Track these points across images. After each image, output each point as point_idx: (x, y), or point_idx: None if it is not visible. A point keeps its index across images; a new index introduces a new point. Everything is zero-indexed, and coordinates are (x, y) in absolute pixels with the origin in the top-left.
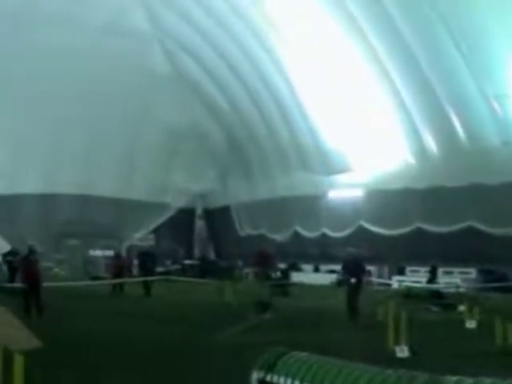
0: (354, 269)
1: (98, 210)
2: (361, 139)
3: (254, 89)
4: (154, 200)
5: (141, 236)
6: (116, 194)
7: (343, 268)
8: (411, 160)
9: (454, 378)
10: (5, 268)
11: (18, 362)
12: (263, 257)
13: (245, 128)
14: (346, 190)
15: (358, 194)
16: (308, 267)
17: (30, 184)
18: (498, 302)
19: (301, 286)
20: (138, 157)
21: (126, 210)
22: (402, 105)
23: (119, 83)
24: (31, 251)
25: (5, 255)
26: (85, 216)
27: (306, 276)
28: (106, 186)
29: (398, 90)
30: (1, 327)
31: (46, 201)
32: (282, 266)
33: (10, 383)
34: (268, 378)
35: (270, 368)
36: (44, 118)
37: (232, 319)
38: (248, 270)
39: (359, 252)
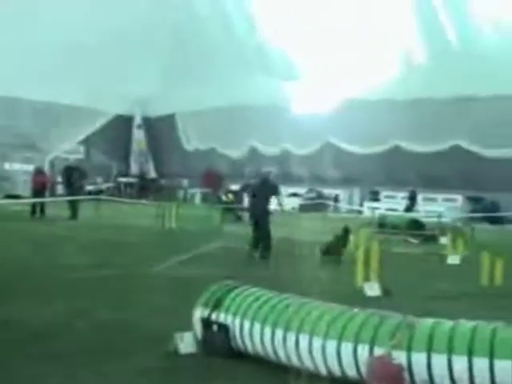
0: (262, 192)
1: (15, 114)
2: (335, 42)
3: None
4: (82, 104)
5: (68, 148)
6: (37, 97)
7: (250, 192)
8: (394, 68)
9: (431, 321)
10: None
11: None
12: (213, 176)
13: (195, 23)
14: (313, 100)
15: (327, 105)
16: None
17: None
18: (487, 235)
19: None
20: (66, 54)
21: (49, 115)
22: (386, 5)
23: None
24: None
25: None
26: (1, 122)
27: None
28: (23, 86)
29: None
30: None
31: None
32: (236, 187)
33: None
34: (213, 316)
35: (216, 305)
36: None
37: (173, 248)
38: (194, 191)
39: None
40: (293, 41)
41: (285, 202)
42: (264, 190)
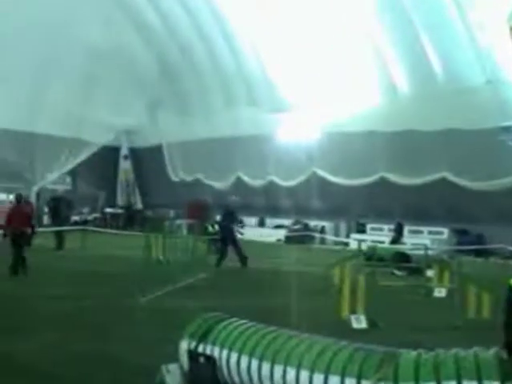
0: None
1: (5, 145)
2: (318, 73)
3: (194, 5)
4: (70, 135)
5: (54, 178)
6: (24, 127)
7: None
8: (378, 99)
9: (414, 353)
10: None
11: None
12: (198, 207)
13: (181, 51)
14: (298, 131)
15: (312, 136)
16: (252, 220)
17: None
18: (473, 268)
19: (242, 242)
20: (52, 83)
21: (36, 146)
22: (369, 34)
23: None
24: None
25: None
26: None
27: (250, 231)
28: (12, 116)
29: (366, 16)
30: None
31: None
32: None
33: None
34: (200, 348)
35: (203, 337)
36: None
37: (159, 279)
38: (181, 222)
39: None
40: (278, 72)
41: (241, 228)
42: (228, 215)
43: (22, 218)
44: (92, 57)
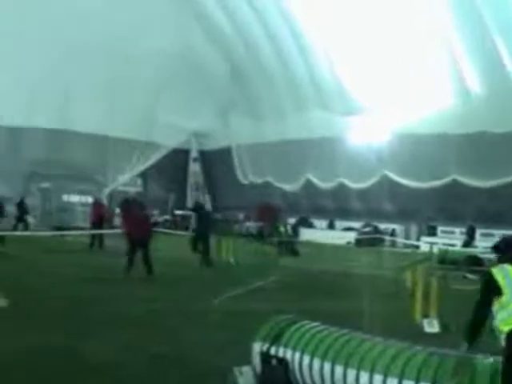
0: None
1: (75, 148)
2: (389, 75)
3: (265, 11)
4: (141, 138)
5: (126, 180)
6: (97, 130)
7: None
8: (450, 100)
9: (490, 359)
10: None
11: None
12: (268, 209)
13: (252, 56)
14: (369, 133)
15: (383, 138)
16: (321, 223)
17: None
18: None
19: (312, 244)
20: (124, 87)
21: (108, 149)
22: (441, 35)
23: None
24: None
25: None
26: (60, 155)
27: (319, 233)
28: (85, 120)
29: (438, 17)
30: None
31: (15, 135)
32: (291, 220)
33: None
34: (272, 350)
35: (276, 339)
36: (18, 44)
37: (230, 282)
38: (250, 225)
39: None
40: (349, 75)
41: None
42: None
43: (142, 222)
44: (163, 61)
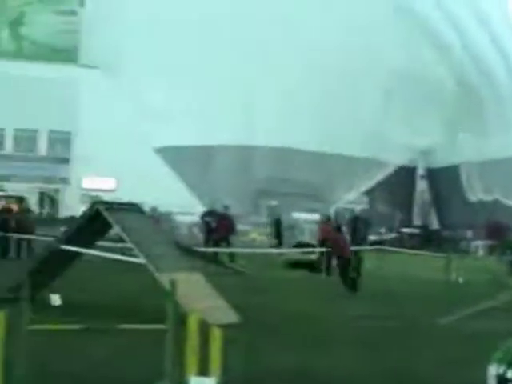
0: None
1: (300, 166)
2: None
3: (493, 25)
4: (367, 156)
5: (352, 198)
6: (322, 148)
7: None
8: None
9: None
10: (196, 230)
11: (216, 337)
12: (498, 228)
13: (481, 72)
14: None
15: None
16: None
17: (224, 134)
18: None
19: None
20: (347, 104)
21: (334, 166)
22: None
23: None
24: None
25: (203, 216)
26: (286, 173)
27: None
28: (309, 137)
29: None
30: (199, 298)
31: (242, 153)
32: None
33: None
34: (509, 374)
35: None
36: (237, 65)
37: (459, 300)
38: (478, 243)
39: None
40: None
41: None
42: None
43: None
44: (391, 78)
